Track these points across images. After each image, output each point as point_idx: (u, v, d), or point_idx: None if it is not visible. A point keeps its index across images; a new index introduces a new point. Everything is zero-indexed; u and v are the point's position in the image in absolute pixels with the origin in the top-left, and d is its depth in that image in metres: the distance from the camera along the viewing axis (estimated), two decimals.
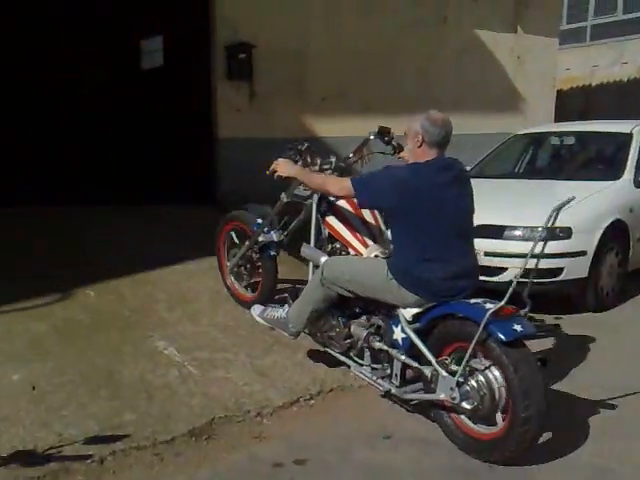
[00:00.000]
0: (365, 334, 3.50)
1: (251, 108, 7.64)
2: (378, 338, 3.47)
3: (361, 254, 3.65)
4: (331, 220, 3.81)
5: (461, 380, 3.07)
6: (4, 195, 6.96)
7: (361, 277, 3.39)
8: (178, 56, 10.76)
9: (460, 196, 3.25)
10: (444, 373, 3.11)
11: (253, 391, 3.72)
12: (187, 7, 8.29)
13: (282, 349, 4.18)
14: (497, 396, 3.03)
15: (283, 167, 3.65)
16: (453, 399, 3.08)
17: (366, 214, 3.73)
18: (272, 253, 4.29)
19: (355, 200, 3.43)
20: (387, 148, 4.00)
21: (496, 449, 3.06)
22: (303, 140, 4.03)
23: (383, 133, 4.03)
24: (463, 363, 3.03)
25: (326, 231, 3.85)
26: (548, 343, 4.61)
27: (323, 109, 7.97)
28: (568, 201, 3.05)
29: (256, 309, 4.00)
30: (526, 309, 3.11)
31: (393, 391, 3.37)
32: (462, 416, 3.20)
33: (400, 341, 3.33)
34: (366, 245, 3.68)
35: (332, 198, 3.75)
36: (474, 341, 2.94)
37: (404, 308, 3.27)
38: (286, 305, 3.83)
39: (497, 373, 3.02)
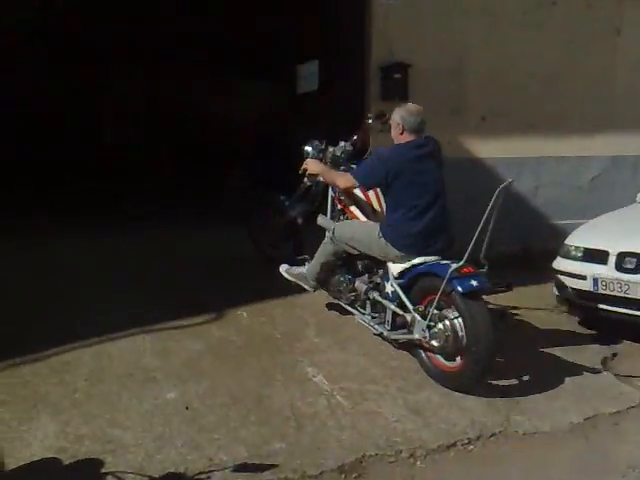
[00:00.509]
0: (365, 288, 4.42)
1: None
2: (376, 292, 4.35)
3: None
4: (342, 198, 4.78)
5: (431, 324, 3.86)
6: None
7: (360, 235, 4.35)
8: (331, 78, 10.90)
9: (435, 167, 4.15)
10: (419, 318, 3.93)
11: (405, 429, 3.50)
12: (342, 30, 8.34)
13: (436, 385, 3.93)
14: (459, 337, 3.78)
15: (312, 166, 4.68)
16: (424, 338, 3.89)
17: (373, 198, 4.58)
18: (299, 221, 5.44)
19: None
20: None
21: (456, 380, 3.84)
22: (321, 140, 5.08)
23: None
24: (431, 310, 3.83)
25: (338, 206, 4.86)
26: None
27: (483, 129, 7.61)
28: (510, 183, 3.70)
29: (283, 267, 5.00)
30: (484, 269, 3.80)
31: (385, 334, 4.23)
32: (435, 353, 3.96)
33: (390, 294, 4.19)
34: (367, 216, 4.57)
35: None
36: (439, 292, 3.74)
37: (393, 263, 4.10)
38: (306, 263, 4.88)
39: (460, 319, 3.78)
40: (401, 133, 4.15)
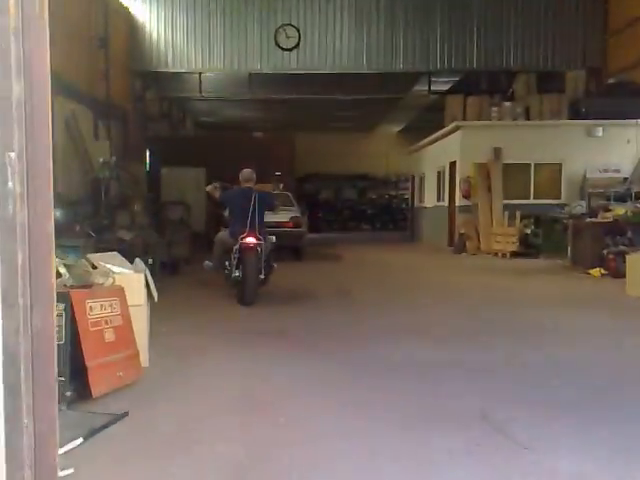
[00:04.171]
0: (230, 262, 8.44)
1: None
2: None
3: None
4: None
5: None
6: None
7: (222, 237, 8.53)
8: None
9: (249, 201, 8.15)
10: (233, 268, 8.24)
11: None
12: None
13: None
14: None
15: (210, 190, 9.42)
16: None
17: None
18: None
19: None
20: None
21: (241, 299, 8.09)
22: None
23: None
24: (234, 262, 8.16)
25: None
26: None
27: None
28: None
29: (205, 263, 8.97)
30: (263, 238, 8.27)
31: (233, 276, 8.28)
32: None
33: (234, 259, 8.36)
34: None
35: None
36: (235, 249, 8.10)
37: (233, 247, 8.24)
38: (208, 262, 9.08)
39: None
40: (239, 182, 8.75)
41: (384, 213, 32.33)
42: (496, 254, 15.09)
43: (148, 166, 18.82)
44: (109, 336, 4.07)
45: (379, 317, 7.23)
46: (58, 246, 7.22)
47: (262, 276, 8.14)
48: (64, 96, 13.19)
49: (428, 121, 23.27)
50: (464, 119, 17.50)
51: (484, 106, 17.52)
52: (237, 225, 8.11)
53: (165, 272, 10.56)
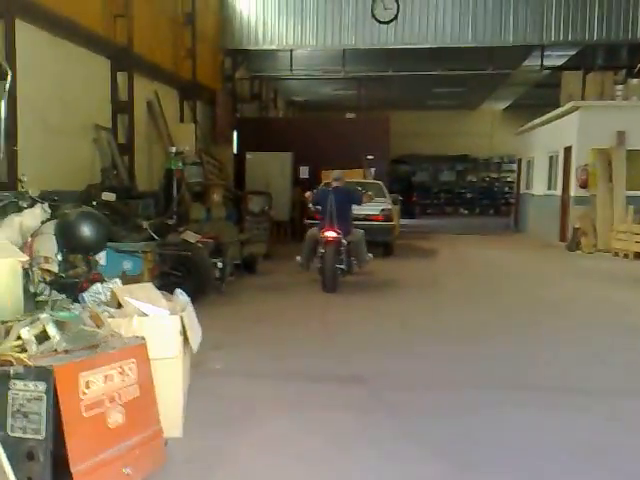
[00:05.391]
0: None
1: None
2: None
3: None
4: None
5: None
6: None
7: (313, 232, 9.27)
8: None
9: (338, 198, 9.07)
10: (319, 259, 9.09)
11: None
12: None
13: None
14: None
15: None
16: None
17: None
18: None
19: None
20: None
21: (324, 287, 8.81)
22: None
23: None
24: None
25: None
26: None
27: None
28: None
29: (297, 258, 9.38)
30: (339, 232, 9.01)
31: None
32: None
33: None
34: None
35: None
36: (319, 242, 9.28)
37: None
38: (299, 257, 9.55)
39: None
40: (330, 181, 9.89)
41: (485, 197, 30.31)
42: (616, 254, 13.16)
43: (236, 150, 17.99)
44: (115, 419, 2.99)
45: (492, 361, 5.64)
46: (117, 252, 6.22)
47: (343, 267, 8.82)
48: (145, 75, 12.48)
49: (538, 98, 21.14)
50: (582, 98, 15.45)
51: (606, 84, 15.38)
52: (323, 221, 9.10)
53: (240, 273, 9.59)
